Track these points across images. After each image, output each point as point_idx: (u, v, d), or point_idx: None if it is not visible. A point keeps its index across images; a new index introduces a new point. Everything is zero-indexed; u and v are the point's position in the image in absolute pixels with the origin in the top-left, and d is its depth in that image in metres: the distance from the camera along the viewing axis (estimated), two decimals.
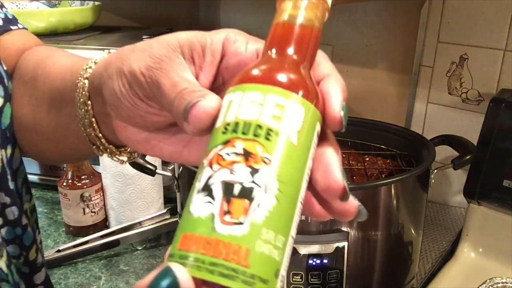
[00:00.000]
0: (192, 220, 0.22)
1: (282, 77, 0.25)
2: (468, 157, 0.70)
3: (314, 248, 0.59)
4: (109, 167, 0.88)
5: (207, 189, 0.22)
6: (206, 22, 1.32)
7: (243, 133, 0.23)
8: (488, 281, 0.69)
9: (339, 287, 0.61)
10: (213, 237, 0.21)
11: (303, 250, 0.59)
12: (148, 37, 1.01)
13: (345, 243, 0.60)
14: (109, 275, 0.82)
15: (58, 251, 0.84)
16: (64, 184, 0.90)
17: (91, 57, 0.36)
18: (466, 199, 0.84)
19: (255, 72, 0.25)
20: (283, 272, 0.22)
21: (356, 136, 0.84)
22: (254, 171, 0.22)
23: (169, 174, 0.72)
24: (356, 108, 1.14)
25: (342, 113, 0.26)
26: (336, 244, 0.60)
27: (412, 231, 0.68)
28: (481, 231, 0.83)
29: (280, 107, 0.24)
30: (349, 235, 0.60)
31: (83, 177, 0.91)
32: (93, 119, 0.35)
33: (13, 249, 0.43)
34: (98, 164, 0.92)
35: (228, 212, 0.21)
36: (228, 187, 0.22)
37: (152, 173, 0.69)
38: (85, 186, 0.90)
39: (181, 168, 0.67)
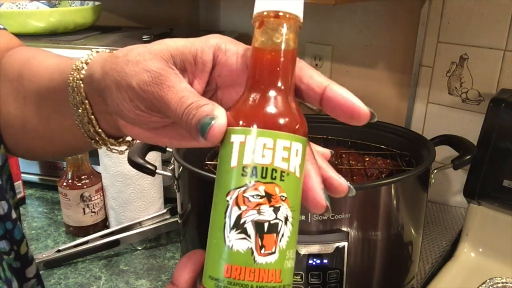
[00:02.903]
0: (233, 253, 0.28)
1: (285, 121, 0.28)
2: (468, 157, 0.70)
3: (314, 248, 0.59)
4: (109, 167, 0.88)
5: (240, 227, 0.28)
6: (206, 22, 1.32)
7: (262, 177, 0.28)
8: (488, 281, 0.69)
9: (339, 287, 0.61)
10: (256, 267, 0.28)
11: (303, 250, 0.59)
12: (148, 37, 1.01)
13: (345, 243, 0.60)
14: (109, 275, 0.82)
15: (58, 251, 0.84)
16: (64, 184, 0.90)
17: (78, 58, 0.36)
18: (466, 199, 0.84)
19: (260, 115, 0.29)
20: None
21: (356, 136, 0.84)
22: (276, 209, 0.28)
23: (169, 174, 0.72)
24: None
25: (369, 109, 0.30)
26: (336, 244, 0.60)
27: (412, 231, 0.68)
28: (481, 231, 0.83)
29: (287, 149, 0.28)
30: (349, 235, 0.60)
31: (83, 177, 0.91)
32: (92, 117, 0.36)
33: (4, 244, 0.43)
34: (98, 164, 0.92)
35: (262, 246, 0.28)
36: (259, 225, 0.28)
37: (152, 173, 0.69)
38: (85, 186, 0.90)
39: (181, 168, 0.67)
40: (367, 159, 0.80)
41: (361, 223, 0.61)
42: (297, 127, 0.29)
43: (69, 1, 1.26)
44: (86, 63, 0.36)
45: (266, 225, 0.28)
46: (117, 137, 0.38)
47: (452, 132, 0.80)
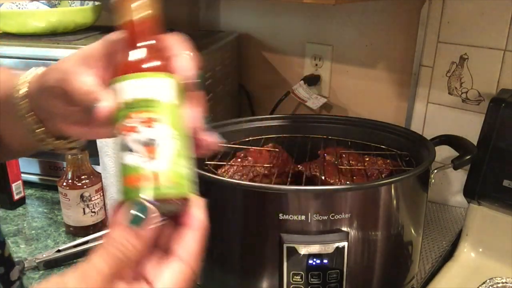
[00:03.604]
0: (129, 167, 0.34)
1: (149, 63, 0.37)
2: (468, 157, 0.70)
3: (314, 248, 0.59)
4: (109, 167, 0.88)
5: (128, 148, 0.34)
6: (206, 22, 1.32)
7: (137, 108, 0.35)
8: (488, 281, 0.69)
9: (339, 287, 0.61)
10: (149, 173, 0.33)
11: (303, 250, 0.59)
12: None
13: (345, 243, 0.60)
14: None
15: (58, 251, 0.84)
16: (64, 184, 0.90)
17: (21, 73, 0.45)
18: (466, 199, 0.84)
19: (134, 63, 0.37)
20: (194, 179, 0.36)
21: (356, 136, 0.84)
22: (153, 128, 0.34)
23: None
24: (356, 108, 1.14)
25: (195, 75, 0.38)
26: (336, 244, 0.60)
27: (412, 231, 0.68)
28: (481, 231, 0.83)
29: (156, 83, 0.36)
30: (349, 235, 0.60)
31: (83, 177, 0.91)
32: (40, 125, 0.43)
33: None
34: (98, 164, 0.92)
35: (150, 157, 0.34)
36: (142, 142, 0.34)
37: None
38: (85, 186, 0.90)
39: None
40: (367, 159, 0.80)
41: (361, 223, 0.61)
42: (160, 67, 0.37)
43: (69, 1, 1.26)
44: (27, 80, 0.43)
45: (147, 140, 0.34)
46: (65, 138, 0.45)
47: (452, 132, 0.80)
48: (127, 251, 0.31)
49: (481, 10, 0.87)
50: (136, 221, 0.32)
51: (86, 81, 0.39)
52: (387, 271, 0.66)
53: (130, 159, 0.34)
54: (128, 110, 0.35)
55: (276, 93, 1.18)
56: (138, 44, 0.38)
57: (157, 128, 0.35)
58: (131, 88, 0.36)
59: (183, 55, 0.39)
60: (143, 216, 0.32)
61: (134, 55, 0.38)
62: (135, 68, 0.37)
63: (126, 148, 0.35)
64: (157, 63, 0.37)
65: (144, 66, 0.37)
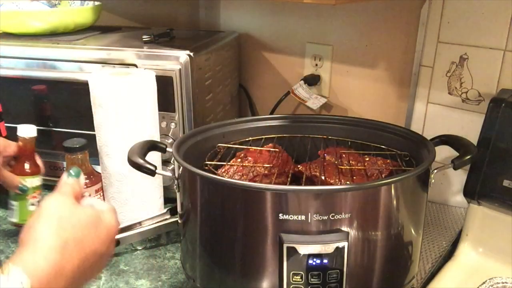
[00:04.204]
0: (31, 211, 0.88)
1: (35, 170, 0.88)
2: (468, 157, 0.70)
3: (314, 248, 0.59)
4: (109, 167, 0.88)
5: (32, 205, 0.89)
6: (206, 22, 1.32)
7: (36, 188, 0.89)
8: (488, 281, 0.69)
9: (339, 287, 0.61)
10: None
11: (303, 250, 0.59)
12: (148, 37, 1.01)
13: (345, 243, 0.60)
14: (109, 275, 0.82)
15: None
16: None
17: None
18: (466, 199, 0.84)
19: (29, 170, 0.88)
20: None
21: (356, 136, 0.84)
22: (39, 196, 0.89)
23: (169, 174, 0.72)
24: (356, 108, 1.14)
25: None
26: (336, 244, 0.60)
27: (412, 231, 0.68)
28: (481, 231, 0.83)
29: (38, 180, 0.89)
30: (349, 235, 0.60)
31: None
32: None
33: None
34: (98, 164, 0.92)
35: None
36: (36, 202, 0.89)
37: (152, 173, 0.69)
38: (85, 186, 0.90)
39: (181, 168, 0.67)
40: (367, 159, 0.80)
41: (361, 223, 0.61)
42: (37, 171, 0.88)
43: (69, 1, 1.26)
44: None
45: (37, 201, 0.89)
46: None
47: (452, 132, 0.80)
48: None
49: (481, 10, 0.87)
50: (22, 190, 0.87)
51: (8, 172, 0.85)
52: (387, 271, 0.66)
53: (32, 208, 0.85)
54: (33, 189, 0.87)
55: (276, 93, 1.19)
56: (26, 158, 0.86)
57: (40, 196, 0.85)
58: (31, 181, 0.86)
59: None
60: None
61: (27, 164, 0.86)
62: (29, 172, 0.86)
63: (30, 205, 0.86)
64: (37, 169, 0.87)
65: (32, 171, 0.87)
